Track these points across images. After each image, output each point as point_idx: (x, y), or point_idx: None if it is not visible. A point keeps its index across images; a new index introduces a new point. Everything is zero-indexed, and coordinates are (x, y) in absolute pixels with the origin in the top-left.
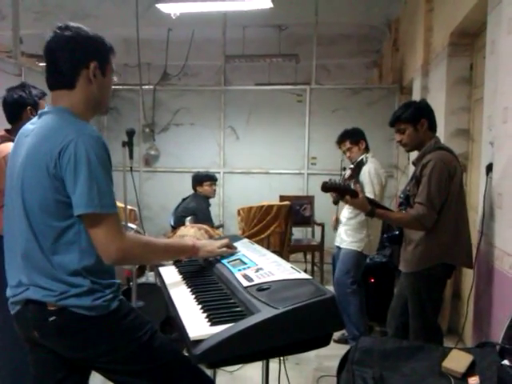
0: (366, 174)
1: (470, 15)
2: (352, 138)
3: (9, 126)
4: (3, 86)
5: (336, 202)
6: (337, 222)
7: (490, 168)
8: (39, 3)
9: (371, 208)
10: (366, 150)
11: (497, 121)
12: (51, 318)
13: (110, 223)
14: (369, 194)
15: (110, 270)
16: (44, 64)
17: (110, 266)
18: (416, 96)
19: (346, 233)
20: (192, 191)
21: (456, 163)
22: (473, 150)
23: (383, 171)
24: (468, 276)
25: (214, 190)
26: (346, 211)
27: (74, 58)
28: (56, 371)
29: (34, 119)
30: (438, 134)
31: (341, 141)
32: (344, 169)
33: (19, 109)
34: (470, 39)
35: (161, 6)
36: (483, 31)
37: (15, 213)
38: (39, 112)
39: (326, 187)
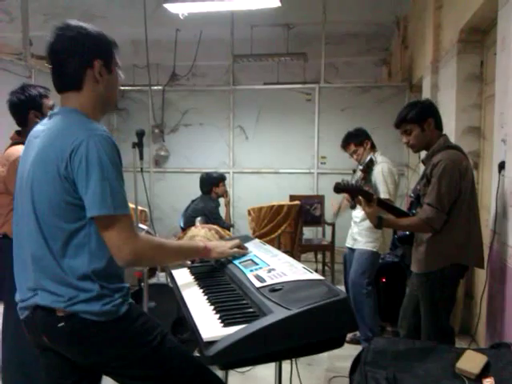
0: (379, 173)
1: (480, 12)
2: (356, 139)
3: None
4: (14, 88)
5: (353, 207)
6: (339, 209)
7: (502, 166)
8: (48, 5)
9: (378, 222)
10: (373, 148)
11: (509, 118)
12: (60, 324)
13: (123, 224)
14: (383, 193)
15: (118, 274)
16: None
17: (119, 269)
18: (426, 94)
19: (361, 233)
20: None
21: (467, 162)
22: (484, 148)
23: (396, 170)
24: (481, 275)
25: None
26: (359, 212)
27: (79, 59)
28: (67, 376)
29: (45, 120)
30: (449, 132)
31: (345, 144)
32: (354, 171)
33: (22, 112)
34: (480, 36)
35: (168, 7)
36: (493, 28)
37: (24, 215)
38: (49, 113)
39: (339, 188)
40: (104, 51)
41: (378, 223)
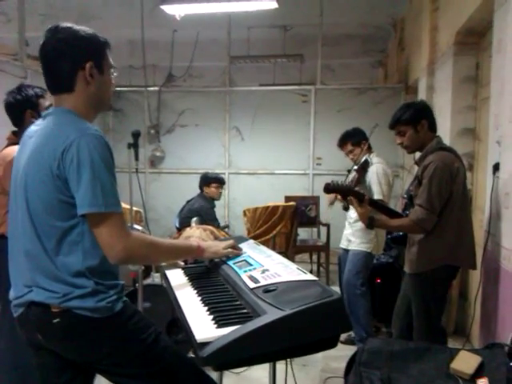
0: (373, 174)
1: (476, 14)
2: (353, 139)
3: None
4: (9, 88)
5: (346, 209)
6: (335, 198)
7: (496, 167)
8: (45, 6)
9: (369, 222)
10: (369, 149)
11: (504, 120)
12: (55, 320)
13: (114, 222)
14: (377, 194)
15: (113, 271)
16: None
17: (113, 266)
18: (422, 96)
19: (355, 234)
20: (198, 191)
21: (459, 164)
22: (479, 150)
23: (390, 171)
24: (475, 276)
25: (220, 193)
26: (353, 213)
27: (69, 61)
28: (60, 374)
29: (39, 121)
30: (444, 134)
31: (342, 143)
32: (348, 171)
33: (18, 112)
34: (475, 38)
35: (165, 8)
36: (489, 30)
37: (19, 214)
38: (43, 114)
39: (329, 189)
40: (95, 52)
41: (369, 223)
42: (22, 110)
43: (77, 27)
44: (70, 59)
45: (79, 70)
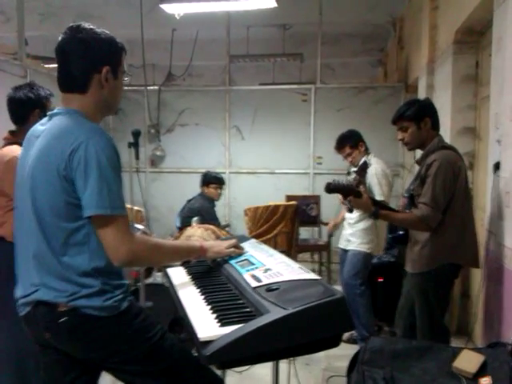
0: (373, 176)
1: (476, 12)
2: (351, 142)
3: (12, 127)
4: (9, 87)
5: (351, 211)
6: (334, 227)
7: (497, 166)
8: (44, 5)
9: (375, 209)
10: (366, 151)
11: (504, 119)
12: (62, 319)
13: (119, 225)
14: (378, 195)
15: (119, 271)
16: (52, 65)
17: (119, 267)
18: (422, 94)
19: (355, 234)
20: (199, 190)
21: (461, 163)
22: (479, 149)
23: (389, 171)
24: (477, 275)
25: (220, 194)
26: (354, 213)
27: (87, 63)
28: (67, 372)
29: (44, 120)
30: (444, 133)
31: (340, 146)
32: (348, 173)
33: (26, 110)
34: (475, 37)
35: (165, 7)
36: (489, 28)
37: (25, 214)
38: (49, 113)
39: (330, 188)
40: (113, 57)
41: (374, 212)
42: (32, 108)
43: (98, 30)
44: (89, 61)
45: (95, 74)
